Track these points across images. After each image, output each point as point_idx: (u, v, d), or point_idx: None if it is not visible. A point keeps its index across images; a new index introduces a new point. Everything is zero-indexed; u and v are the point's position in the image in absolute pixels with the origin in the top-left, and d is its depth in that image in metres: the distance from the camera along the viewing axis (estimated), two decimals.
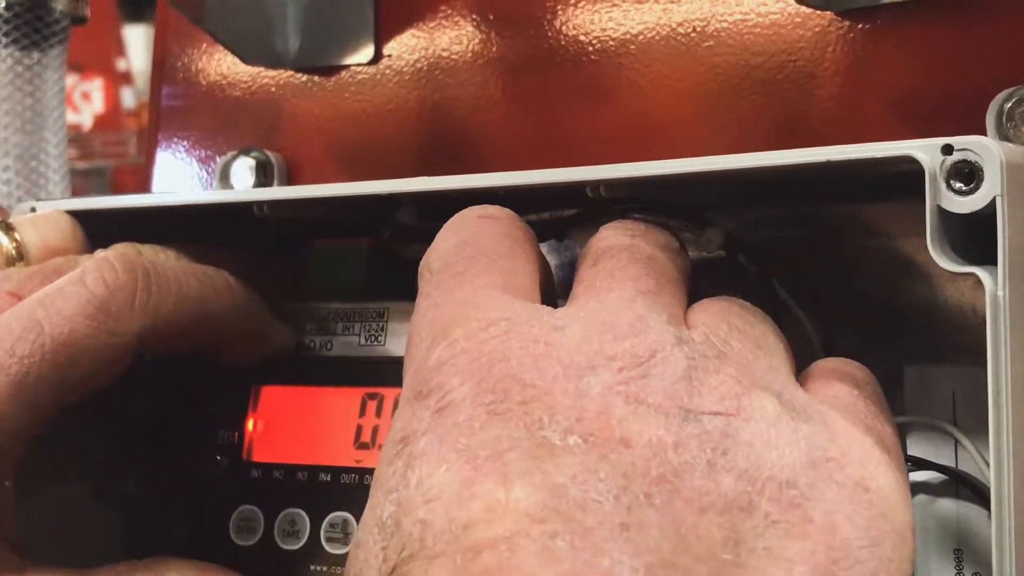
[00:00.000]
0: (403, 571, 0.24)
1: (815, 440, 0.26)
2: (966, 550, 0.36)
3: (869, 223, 0.38)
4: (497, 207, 0.33)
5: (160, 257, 0.42)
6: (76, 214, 0.43)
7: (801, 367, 0.31)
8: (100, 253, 0.41)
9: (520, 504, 0.24)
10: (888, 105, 0.40)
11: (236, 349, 0.41)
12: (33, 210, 0.43)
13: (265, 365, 0.42)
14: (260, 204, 0.39)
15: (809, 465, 0.26)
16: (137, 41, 3.44)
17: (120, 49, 3.16)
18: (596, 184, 0.34)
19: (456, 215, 0.33)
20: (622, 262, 0.30)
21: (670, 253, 0.32)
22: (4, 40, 0.70)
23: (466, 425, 0.25)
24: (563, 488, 0.24)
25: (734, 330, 0.29)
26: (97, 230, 0.43)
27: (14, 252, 0.41)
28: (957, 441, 0.36)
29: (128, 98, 3.18)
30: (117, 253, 0.38)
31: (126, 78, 3.18)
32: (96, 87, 3.07)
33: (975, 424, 0.36)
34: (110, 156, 2.98)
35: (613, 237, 0.32)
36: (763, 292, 0.36)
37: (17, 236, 0.41)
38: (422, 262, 0.32)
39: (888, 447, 0.28)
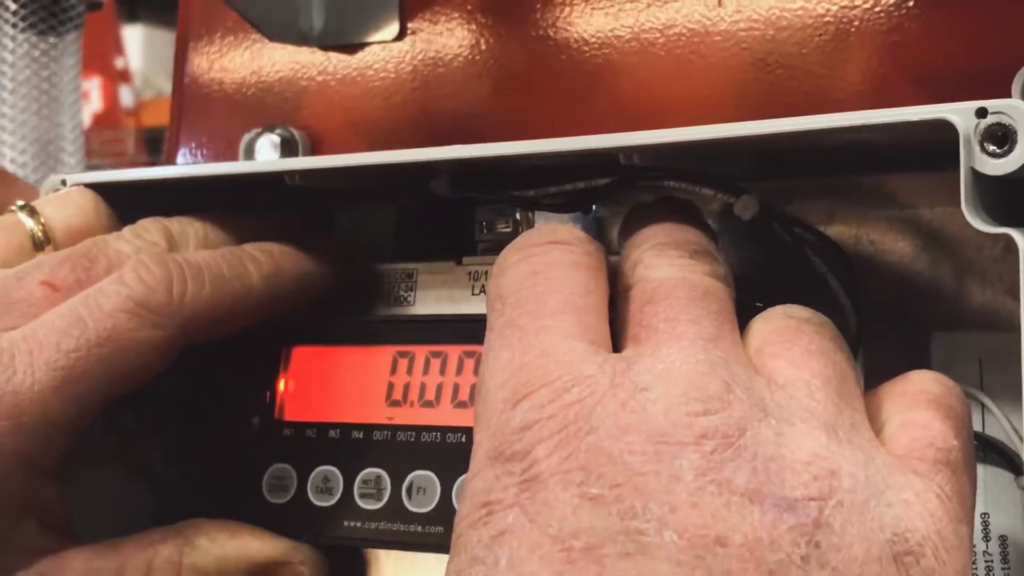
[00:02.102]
0: None
1: (898, 527, 0.26)
2: (993, 514, 0.36)
3: (898, 193, 0.38)
4: (567, 230, 0.33)
5: (188, 230, 0.42)
6: (103, 187, 0.43)
7: None
8: (127, 229, 0.41)
9: None
10: (914, 78, 0.40)
11: (277, 310, 0.41)
12: (64, 183, 0.43)
13: (298, 325, 0.42)
14: (292, 173, 0.39)
15: (891, 560, 0.26)
16: (135, 40, 3.44)
17: (118, 48, 3.16)
18: (630, 151, 0.34)
19: (523, 235, 0.33)
20: (681, 302, 0.30)
21: (719, 283, 0.31)
22: (21, 24, 0.71)
23: (558, 507, 0.25)
24: None
25: (816, 377, 0.29)
26: (124, 205, 0.43)
27: (41, 235, 0.41)
28: (984, 407, 0.36)
29: (126, 97, 3.17)
30: (148, 253, 0.39)
31: (124, 77, 3.18)
32: (95, 86, 3.07)
33: (1002, 390, 0.36)
34: (108, 155, 2.98)
35: (662, 268, 0.31)
36: (797, 260, 0.37)
37: (42, 219, 0.41)
38: (491, 287, 0.32)
39: (966, 510, 0.29)
